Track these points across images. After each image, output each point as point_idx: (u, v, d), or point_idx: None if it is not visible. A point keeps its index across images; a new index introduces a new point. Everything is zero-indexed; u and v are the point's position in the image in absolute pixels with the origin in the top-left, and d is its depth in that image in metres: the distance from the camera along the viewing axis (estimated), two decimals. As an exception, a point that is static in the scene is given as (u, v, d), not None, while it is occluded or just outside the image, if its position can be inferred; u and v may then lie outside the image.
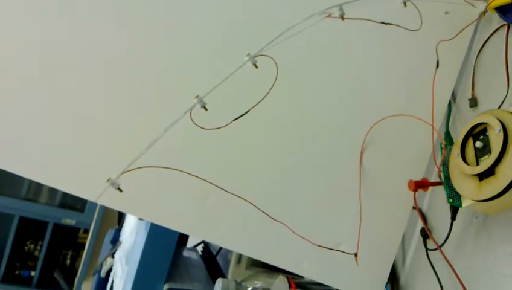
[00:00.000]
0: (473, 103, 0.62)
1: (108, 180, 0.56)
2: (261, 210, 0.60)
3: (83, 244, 2.68)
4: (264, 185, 0.62)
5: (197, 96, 0.59)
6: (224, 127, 0.60)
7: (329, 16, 0.63)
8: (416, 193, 0.59)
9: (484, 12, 0.65)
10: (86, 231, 2.68)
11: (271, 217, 0.61)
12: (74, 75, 0.57)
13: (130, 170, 0.56)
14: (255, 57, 0.61)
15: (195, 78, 0.60)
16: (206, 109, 0.60)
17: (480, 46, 0.64)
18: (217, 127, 0.60)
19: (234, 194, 0.60)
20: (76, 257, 2.82)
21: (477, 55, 0.64)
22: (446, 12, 0.66)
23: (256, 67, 0.61)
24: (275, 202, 0.62)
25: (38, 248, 2.70)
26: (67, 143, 0.56)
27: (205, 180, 0.59)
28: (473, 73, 0.64)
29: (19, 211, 2.52)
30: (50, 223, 2.59)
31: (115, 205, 0.57)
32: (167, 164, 0.58)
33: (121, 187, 0.56)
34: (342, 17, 0.64)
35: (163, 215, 0.59)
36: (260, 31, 0.62)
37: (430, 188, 0.60)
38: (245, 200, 0.60)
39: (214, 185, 0.59)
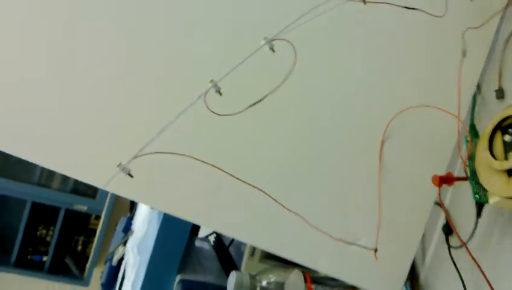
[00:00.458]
0: (500, 94, 0.61)
1: (119, 165, 0.54)
2: (276, 201, 0.58)
3: (95, 231, 2.72)
4: (279, 175, 0.60)
5: (211, 81, 0.57)
6: (240, 114, 0.58)
7: (351, -1, 0.61)
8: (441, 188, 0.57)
9: (512, 0, 0.63)
10: (98, 217, 2.72)
11: (286, 209, 0.59)
12: (85, 58, 0.56)
13: (141, 155, 0.55)
14: (272, 40, 0.59)
15: (210, 62, 0.58)
16: (220, 94, 0.58)
17: (508, 35, 0.62)
18: (231, 113, 0.58)
19: (248, 184, 0.58)
20: (87, 243, 2.86)
21: (505, 44, 0.62)
22: (472, -1, 0.64)
23: (273, 51, 0.59)
24: (291, 193, 0.60)
25: (50, 233, 2.74)
26: (77, 129, 0.55)
27: (218, 168, 0.57)
28: (500, 63, 0.62)
29: (32, 197, 2.56)
30: (62, 208, 2.63)
31: (125, 192, 0.55)
32: (180, 150, 0.56)
33: (131, 173, 0.54)
34: (364, 0, 0.62)
35: (174, 204, 0.57)
36: (278, 13, 0.60)
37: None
38: (259, 190, 0.58)
39: (228, 173, 0.57)
